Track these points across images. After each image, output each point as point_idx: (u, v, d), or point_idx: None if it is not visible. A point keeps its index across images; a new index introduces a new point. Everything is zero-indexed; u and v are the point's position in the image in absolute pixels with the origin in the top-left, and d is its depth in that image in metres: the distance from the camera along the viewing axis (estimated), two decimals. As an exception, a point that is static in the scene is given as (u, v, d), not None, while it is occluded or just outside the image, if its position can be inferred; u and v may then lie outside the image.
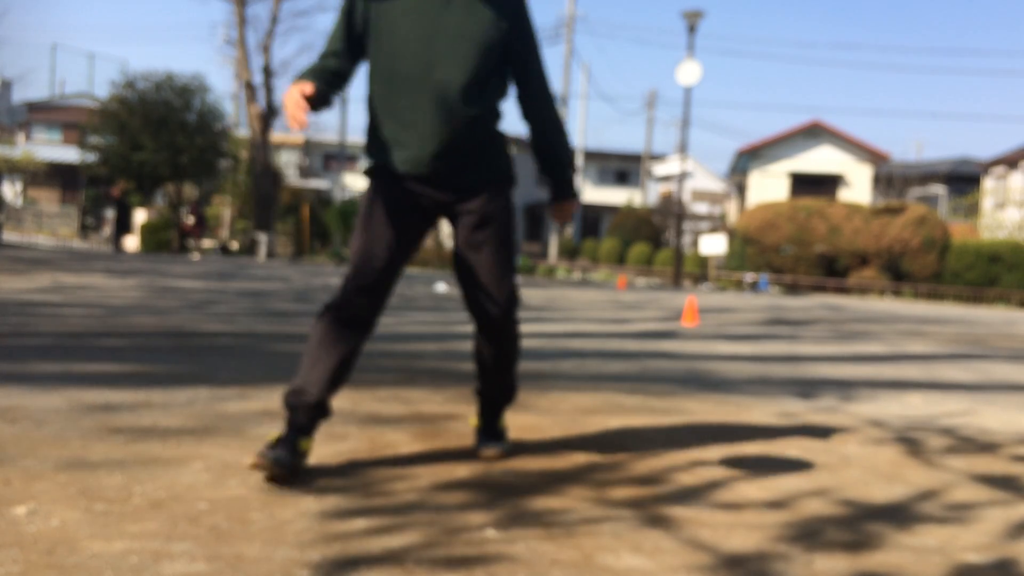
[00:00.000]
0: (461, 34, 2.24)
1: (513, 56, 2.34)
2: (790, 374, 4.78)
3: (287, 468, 2.08)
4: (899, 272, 21.33)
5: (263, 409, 2.93)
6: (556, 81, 34.25)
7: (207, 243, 24.23)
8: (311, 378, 2.20)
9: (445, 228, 35.64)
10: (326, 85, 2.25)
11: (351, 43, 2.33)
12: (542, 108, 2.42)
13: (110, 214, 22.29)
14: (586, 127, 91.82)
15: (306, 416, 2.19)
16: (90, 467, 2.12)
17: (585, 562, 1.69)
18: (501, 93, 2.36)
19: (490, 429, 2.58)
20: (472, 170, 2.32)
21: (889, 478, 2.52)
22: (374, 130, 2.32)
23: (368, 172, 2.36)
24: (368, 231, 2.27)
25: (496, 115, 2.36)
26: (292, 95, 2.11)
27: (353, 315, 2.25)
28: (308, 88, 2.13)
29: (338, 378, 2.24)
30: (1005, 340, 8.48)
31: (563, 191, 2.48)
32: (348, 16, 2.31)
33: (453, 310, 8.17)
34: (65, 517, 1.75)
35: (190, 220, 23.07)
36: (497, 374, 2.51)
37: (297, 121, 2.07)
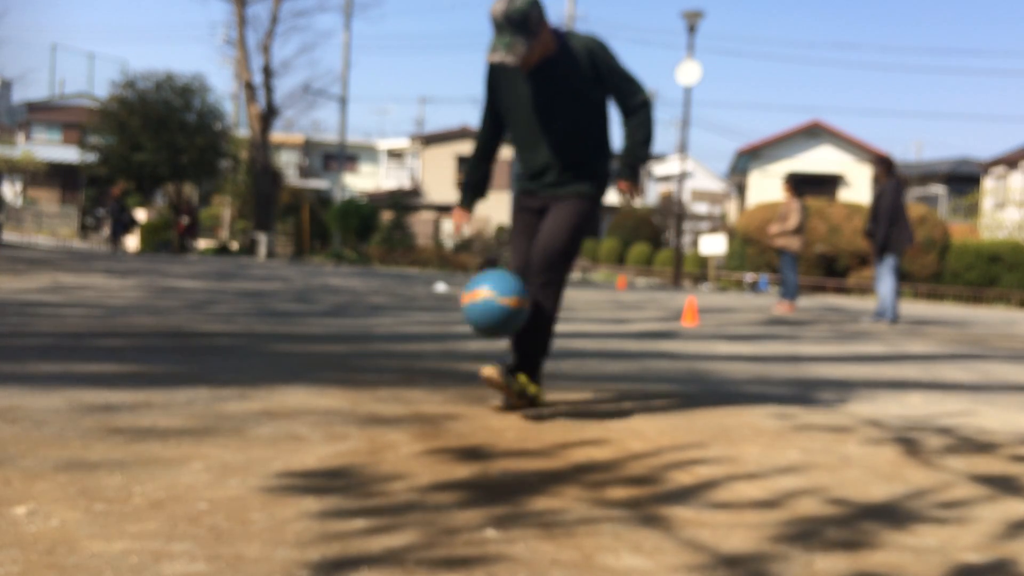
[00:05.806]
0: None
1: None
2: (790, 374, 4.79)
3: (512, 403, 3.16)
4: (899, 272, 21.29)
5: (263, 409, 2.93)
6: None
7: (199, 243, 24.28)
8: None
9: (445, 228, 35.63)
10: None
11: None
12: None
13: (109, 214, 22.31)
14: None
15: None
16: (90, 467, 2.13)
17: (585, 562, 1.69)
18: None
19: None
20: None
21: (888, 478, 2.52)
22: None
23: None
24: None
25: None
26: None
27: None
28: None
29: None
30: (1005, 340, 8.48)
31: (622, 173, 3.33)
32: None
33: (453, 310, 8.17)
34: (65, 517, 1.76)
35: (184, 220, 23.15)
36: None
37: None
